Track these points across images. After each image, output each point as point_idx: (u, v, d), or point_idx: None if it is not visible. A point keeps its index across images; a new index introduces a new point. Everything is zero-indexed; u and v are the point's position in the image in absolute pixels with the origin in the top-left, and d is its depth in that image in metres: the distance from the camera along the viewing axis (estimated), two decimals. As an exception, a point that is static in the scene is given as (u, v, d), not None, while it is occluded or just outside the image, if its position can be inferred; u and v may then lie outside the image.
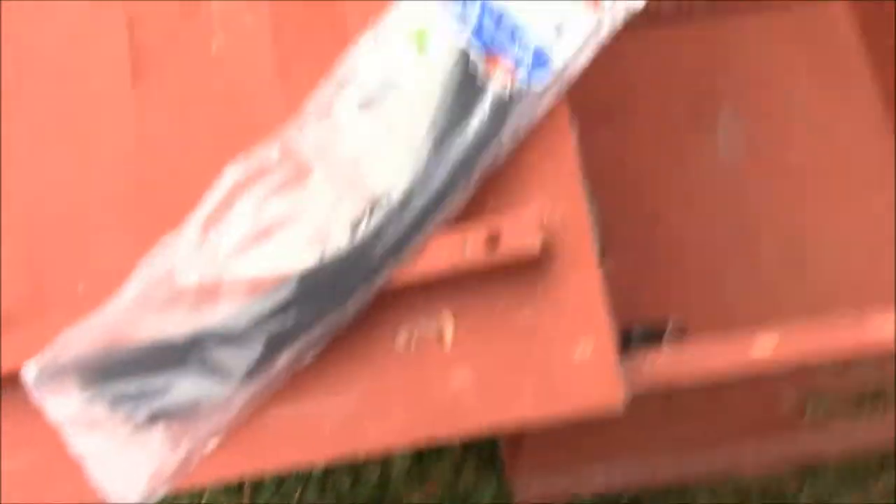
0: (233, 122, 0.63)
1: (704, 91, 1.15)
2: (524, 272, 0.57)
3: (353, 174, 0.57)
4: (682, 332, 0.79)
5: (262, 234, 0.57)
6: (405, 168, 0.56)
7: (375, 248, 0.55)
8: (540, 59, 0.59)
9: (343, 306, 0.55)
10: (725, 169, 1.12)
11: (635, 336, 0.69)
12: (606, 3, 0.60)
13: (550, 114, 0.60)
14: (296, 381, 0.57)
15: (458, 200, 0.57)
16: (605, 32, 0.60)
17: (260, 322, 0.55)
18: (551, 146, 0.60)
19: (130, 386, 0.55)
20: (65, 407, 0.55)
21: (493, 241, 0.55)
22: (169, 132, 0.64)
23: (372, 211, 0.56)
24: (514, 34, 0.59)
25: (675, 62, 1.17)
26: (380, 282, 0.55)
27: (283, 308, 0.55)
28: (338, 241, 0.56)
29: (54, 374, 0.55)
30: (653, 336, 0.73)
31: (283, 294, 0.55)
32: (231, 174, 0.57)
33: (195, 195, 0.58)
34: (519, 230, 0.55)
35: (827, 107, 1.14)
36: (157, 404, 0.55)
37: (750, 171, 1.12)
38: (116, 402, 0.55)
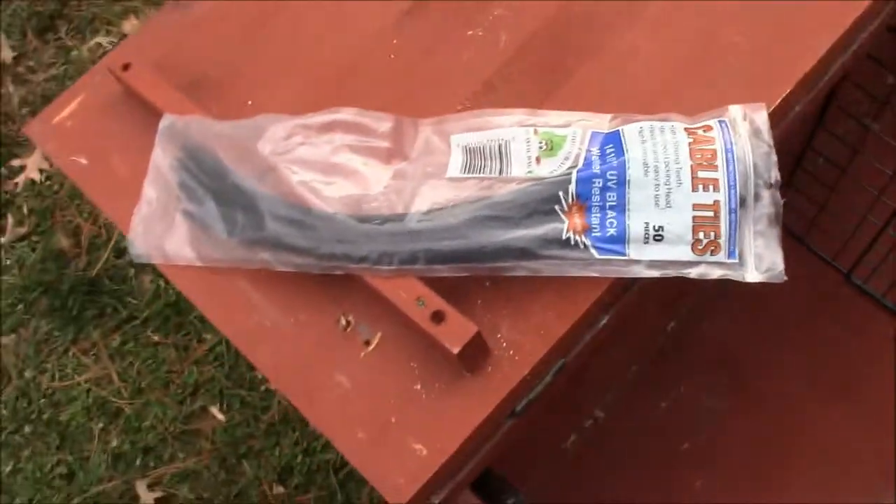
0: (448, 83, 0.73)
1: None
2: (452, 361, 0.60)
3: (438, 171, 0.66)
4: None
5: (330, 168, 0.67)
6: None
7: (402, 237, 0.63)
8: (615, 241, 0.60)
9: (318, 254, 0.64)
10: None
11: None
12: (710, 256, 0.58)
13: (584, 283, 0.62)
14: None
15: (470, 271, 0.62)
16: (693, 273, 0.59)
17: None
18: (562, 306, 0.62)
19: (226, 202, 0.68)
20: (161, 159, 0.71)
21: (437, 317, 0.59)
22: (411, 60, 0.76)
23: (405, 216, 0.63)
24: (616, 206, 0.60)
25: None
26: (360, 266, 0.63)
27: (298, 223, 0.65)
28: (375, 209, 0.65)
29: (172, 136, 0.71)
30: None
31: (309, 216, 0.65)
32: (346, 113, 0.67)
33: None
34: (455, 326, 0.59)
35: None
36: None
37: None
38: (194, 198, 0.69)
